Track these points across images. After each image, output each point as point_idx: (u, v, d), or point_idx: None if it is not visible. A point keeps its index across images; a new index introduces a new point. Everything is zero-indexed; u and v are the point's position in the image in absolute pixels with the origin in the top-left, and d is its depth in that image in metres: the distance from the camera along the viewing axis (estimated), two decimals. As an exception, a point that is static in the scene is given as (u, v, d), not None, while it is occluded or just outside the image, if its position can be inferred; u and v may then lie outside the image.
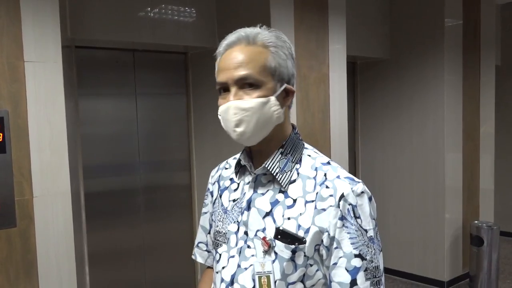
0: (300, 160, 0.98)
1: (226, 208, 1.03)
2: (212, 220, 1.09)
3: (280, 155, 0.97)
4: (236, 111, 0.92)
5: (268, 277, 0.95)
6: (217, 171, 1.12)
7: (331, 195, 0.92)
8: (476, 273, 3.52)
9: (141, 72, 2.93)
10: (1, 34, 1.75)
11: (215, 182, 1.11)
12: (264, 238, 0.95)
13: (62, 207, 1.89)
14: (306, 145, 1.02)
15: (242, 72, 0.92)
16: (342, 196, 0.91)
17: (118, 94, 2.89)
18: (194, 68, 3.07)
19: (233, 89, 0.93)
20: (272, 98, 0.93)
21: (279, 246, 0.93)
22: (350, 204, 0.91)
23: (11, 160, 1.78)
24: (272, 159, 0.97)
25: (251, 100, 0.92)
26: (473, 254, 3.52)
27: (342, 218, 0.90)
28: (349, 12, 3.03)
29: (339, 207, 0.91)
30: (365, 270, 0.90)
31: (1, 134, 1.74)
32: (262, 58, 0.93)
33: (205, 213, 1.14)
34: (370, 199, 0.94)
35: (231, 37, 0.97)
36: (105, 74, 2.82)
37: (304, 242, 0.92)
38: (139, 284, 2.96)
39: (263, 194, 0.98)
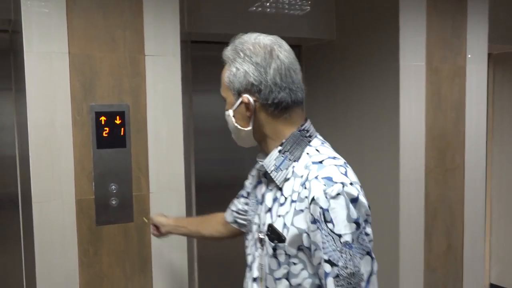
0: (299, 158, 1.00)
1: (258, 200, 1.12)
2: (244, 197, 1.30)
3: (277, 153, 1.02)
4: None
5: (262, 268, 1.03)
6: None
7: (306, 197, 0.93)
8: None
9: (253, 67, 2.83)
10: (124, 28, 1.75)
11: (254, 169, 1.19)
12: (259, 233, 1.05)
13: (176, 205, 1.85)
14: (314, 141, 1.03)
15: None
16: (312, 199, 0.91)
17: (230, 89, 2.83)
18: (308, 62, 2.89)
19: None
20: (230, 111, 1.06)
21: (267, 242, 1.00)
22: (321, 207, 0.90)
23: (131, 154, 1.78)
24: (270, 157, 1.03)
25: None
26: None
27: (315, 221, 0.91)
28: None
29: (310, 210, 0.91)
30: (336, 277, 0.89)
31: (122, 128, 1.75)
32: (223, 76, 1.06)
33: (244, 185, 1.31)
34: (354, 200, 0.91)
35: None
36: (217, 69, 2.77)
37: (284, 241, 0.96)
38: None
39: (271, 190, 1.05)
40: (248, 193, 1.25)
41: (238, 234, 1.39)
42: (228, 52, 1.04)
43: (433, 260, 2.41)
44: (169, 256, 1.86)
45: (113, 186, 1.76)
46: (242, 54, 1.00)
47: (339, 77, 2.63)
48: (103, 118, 1.73)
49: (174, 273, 1.88)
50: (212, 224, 1.47)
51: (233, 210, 1.38)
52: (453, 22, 2.37)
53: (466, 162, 2.45)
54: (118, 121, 1.75)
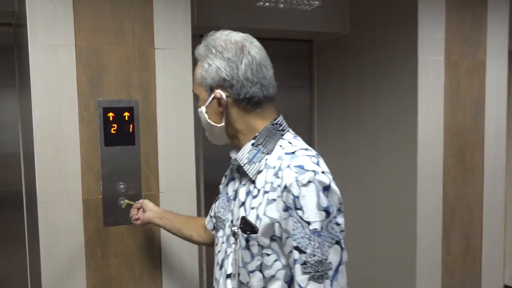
0: (272, 151, 1.01)
1: (229, 197, 1.12)
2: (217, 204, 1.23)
3: (250, 147, 1.03)
4: None
5: (236, 263, 1.02)
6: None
7: (278, 185, 0.94)
8: None
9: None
10: (133, 20, 1.67)
11: (230, 167, 1.17)
12: (232, 227, 1.04)
13: (187, 205, 1.77)
14: (287, 135, 1.04)
15: None
16: (285, 187, 0.92)
17: (240, 86, 2.74)
18: (319, 58, 2.81)
19: None
20: (202, 108, 1.07)
21: (240, 234, 1.00)
22: (292, 194, 0.91)
23: (140, 152, 1.70)
24: (243, 151, 1.04)
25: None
26: None
27: (287, 209, 0.92)
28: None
29: (283, 198, 0.92)
30: (304, 264, 0.90)
31: (131, 125, 1.67)
32: (196, 73, 1.07)
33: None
34: (326, 189, 0.92)
35: None
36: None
37: (256, 232, 0.96)
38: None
39: (244, 184, 1.05)
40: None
41: None
42: (200, 49, 1.05)
43: (451, 262, 2.32)
44: (180, 259, 1.79)
45: (122, 186, 1.68)
46: (214, 50, 1.02)
47: (352, 73, 2.55)
48: (111, 114, 1.65)
49: (184, 277, 1.80)
50: (195, 226, 1.43)
51: (211, 216, 1.33)
52: (473, 16, 2.28)
53: (485, 161, 2.37)
54: (126, 118, 1.67)
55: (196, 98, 1.12)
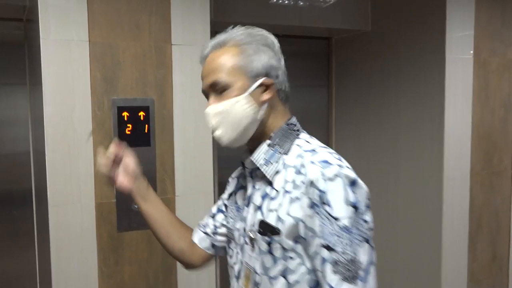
0: (289, 151, 0.96)
1: (239, 206, 1.05)
2: (222, 212, 1.13)
3: (267, 147, 0.97)
4: (211, 116, 0.95)
5: (250, 272, 0.95)
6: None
7: (302, 182, 0.88)
8: None
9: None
10: (150, 14, 1.58)
11: (235, 177, 1.12)
12: (249, 232, 0.96)
13: (204, 210, 1.67)
14: (302, 135, 0.99)
15: (210, 79, 0.95)
16: (311, 182, 0.86)
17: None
18: (338, 56, 2.71)
19: (211, 96, 0.96)
20: (242, 97, 0.94)
21: (259, 239, 0.93)
22: (319, 190, 0.85)
23: (155, 154, 1.62)
24: (259, 152, 0.97)
25: (221, 103, 0.94)
26: None
27: (313, 205, 0.86)
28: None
29: (308, 195, 0.86)
30: (334, 263, 0.83)
31: (146, 125, 1.59)
32: (230, 59, 0.95)
33: (219, 200, 1.16)
34: (353, 183, 0.86)
35: (206, 46, 1.00)
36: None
37: (279, 233, 0.89)
38: None
39: (259, 189, 0.98)
40: (226, 205, 1.13)
41: (208, 259, 1.16)
42: (237, 35, 0.96)
43: (477, 270, 2.22)
44: (196, 266, 1.70)
45: (136, 189, 1.59)
46: (259, 37, 0.97)
47: (373, 72, 2.45)
48: (125, 114, 1.57)
49: (200, 285, 1.72)
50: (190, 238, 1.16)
51: (207, 234, 1.13)
52: (503, 11, 2.17)
53: (515, 165, 2.26)
54: (142, 117, 1.59)
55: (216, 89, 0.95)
